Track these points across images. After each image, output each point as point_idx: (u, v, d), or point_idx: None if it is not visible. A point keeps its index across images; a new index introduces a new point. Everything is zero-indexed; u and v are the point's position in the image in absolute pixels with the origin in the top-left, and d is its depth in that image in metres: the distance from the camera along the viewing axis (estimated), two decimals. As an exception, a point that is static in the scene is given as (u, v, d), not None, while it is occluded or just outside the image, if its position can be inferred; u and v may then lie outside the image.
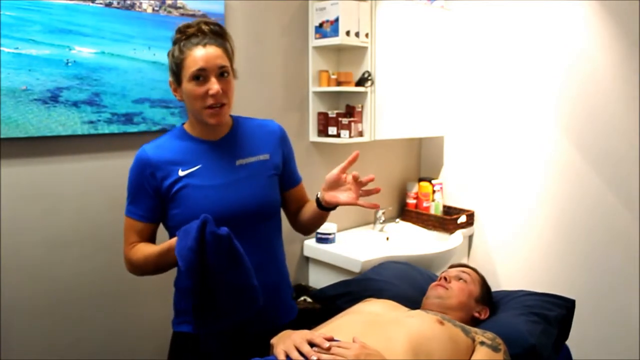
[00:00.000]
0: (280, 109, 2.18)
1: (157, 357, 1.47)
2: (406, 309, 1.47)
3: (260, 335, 1.30)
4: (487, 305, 1.57)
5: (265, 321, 1.32)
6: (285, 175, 1.43)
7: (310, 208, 1.41)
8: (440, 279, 1.56)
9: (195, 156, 1.29)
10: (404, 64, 2.39)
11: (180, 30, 1.27)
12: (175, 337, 1.36)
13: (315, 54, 2.25)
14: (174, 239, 1.18)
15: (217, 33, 1.28)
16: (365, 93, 2.29)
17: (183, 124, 1.35)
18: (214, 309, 1.15)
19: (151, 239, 1.32)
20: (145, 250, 1.27)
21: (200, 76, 1.21)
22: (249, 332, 1.30)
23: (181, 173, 1.26)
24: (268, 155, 1.36)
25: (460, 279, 1.55)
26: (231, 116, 1.37)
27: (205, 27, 1.26)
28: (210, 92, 1.20)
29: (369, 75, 2.26)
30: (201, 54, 1.21)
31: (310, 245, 2.28)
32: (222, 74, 1.23)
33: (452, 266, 1.69)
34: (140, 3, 1.73)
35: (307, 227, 1.47)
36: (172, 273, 1.36)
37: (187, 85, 1.22)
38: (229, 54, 1.28)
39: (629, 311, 2.16)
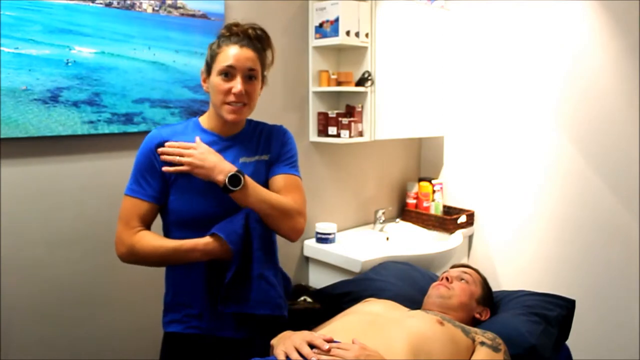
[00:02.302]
0: (280, 108, 2.18)
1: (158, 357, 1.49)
2: (406, 309, 1.47)
3: (250, 338, 1.31)
4: (488, 307, 1.58)
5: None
6: (272, 166, 1.39)
7: None
8: (442, 278, 1.56)
9: None
10: (404, 64, 2.38)
11: (227, 27, 1.32)
12: (166, 337, 1.36)
13: (315, 54, 2.25)
14: (199, 240, 1.23)
15: (259, 39, 1.32)
16: (365, 93, 2.29)
17: (198, 117, 1.38)
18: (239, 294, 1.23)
19: (150, 223, 1.32)
20: (155, 241, 1.26)
21: (228, 73, 1.25)
22: (244, 334, 1.31)
23: None
24: (267, 156, 1.38)
25: (462, 279, 1.55)
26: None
27: (251, 32, 1.31)
28: (234, 90, 1.25)
29: (369, 75, 2.26)
30: (234, 52, 1.25)
31: (310, 245, 2.28)
32: (250, 76, 1.27)
33: (454, 266, 1.69)
34: (140, 3, 1.73)
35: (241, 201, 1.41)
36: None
37: (215, 79, 1.27)
38: (263, 61, 1.33)
39: (629, 311, 2.16)
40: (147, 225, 1.31)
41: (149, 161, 1.28)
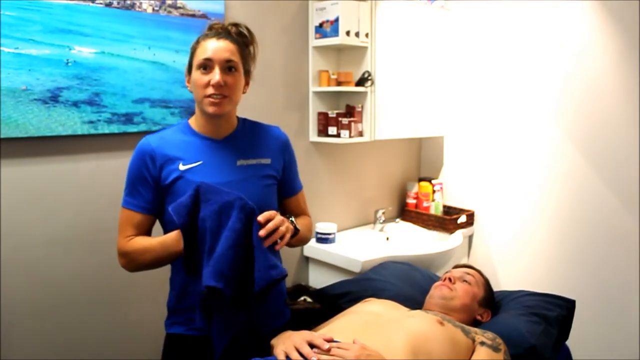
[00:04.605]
0: (280, 108, 2.18)
1: (158, 357, 1.48)
2: (406, 309, 1.47)
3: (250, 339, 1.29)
4: (489, 308, 1.57)
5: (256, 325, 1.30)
6: (285, 183, 1.43)
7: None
8: (445, 279, 1.55)
9: (198, 152, 1.29)
10: (404, 64, 2.39)
11: (209, 26, 1.32)
12: (168, 338, 1.35)
13: (315, 54, 2.25)
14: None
15: (241, 34, 1.31)
16: (365, 93, 2.29)
17: (188, 119, 1.36)
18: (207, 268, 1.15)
19: (148, 233, 1.31)
20: (144, 242, 1.27)
21: (207, 66, 1.24)
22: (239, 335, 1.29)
23: (182, 167, 1.27)
24: (269, 160, 1.37)
25: (465, 280, 1.54)
26: (238, 117, 1.38)
27: (231, 28, 1.30)
28: (212, 81, 1.22)
29: (369, 75, 2.26)
30: (211, 45, 1.24)
31: (310, 245, 2.28)
32: (230, 68, 1.25)
33: (456, 266, 1.68)
34: (140, 3, 1.73)
35: (292, 244, 1.39)
36: (168, 272, 1.36)
37: (194, 74, 1.26)
38: (244, 53, 1.30)
39: (629, 311, 2.16)
40: (143, 235, 1.30)
41: (140, 172, 1.27)
